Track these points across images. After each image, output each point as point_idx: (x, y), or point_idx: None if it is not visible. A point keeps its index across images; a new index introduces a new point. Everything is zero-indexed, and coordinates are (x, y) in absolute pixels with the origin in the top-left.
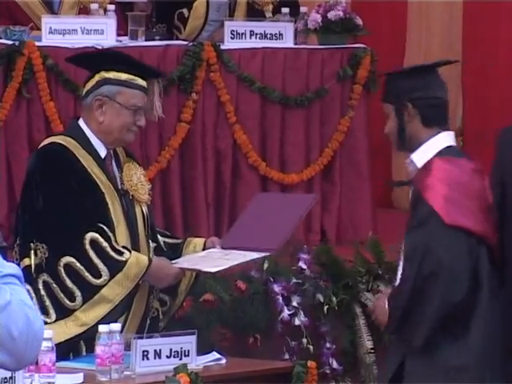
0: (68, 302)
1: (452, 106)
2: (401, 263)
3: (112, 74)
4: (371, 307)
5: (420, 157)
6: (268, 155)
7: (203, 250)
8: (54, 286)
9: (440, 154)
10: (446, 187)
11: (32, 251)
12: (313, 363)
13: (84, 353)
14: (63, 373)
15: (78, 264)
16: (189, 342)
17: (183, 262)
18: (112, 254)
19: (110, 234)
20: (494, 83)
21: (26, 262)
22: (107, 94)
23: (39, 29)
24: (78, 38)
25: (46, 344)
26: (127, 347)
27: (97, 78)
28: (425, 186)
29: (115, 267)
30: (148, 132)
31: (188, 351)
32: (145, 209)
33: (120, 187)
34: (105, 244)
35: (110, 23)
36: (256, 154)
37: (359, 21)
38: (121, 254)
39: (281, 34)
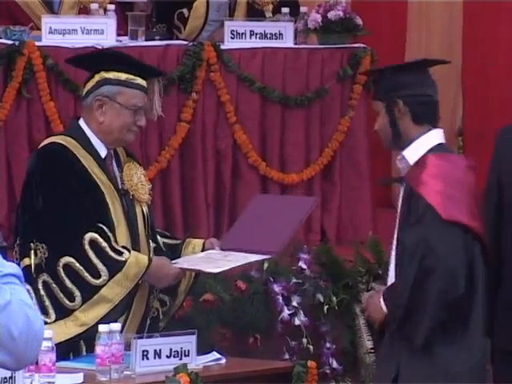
0: (67, 302)
1: (452, 105)
2: (393, 260)
3: (112, 74)
4: (364, 305)
5: (412, 154)
6: (268, 155)
7: (202, 250)
8: (54, 286)
9: (431, 151)
10: (442, 183)
11: (32, 251)
12: (313, 363)
13: (84, 353)
14: (63, 373)
15: (78, 264)
16: (189, 341)
17: (183, 263)
18: (111, 254)
19: (110, 234)
20: (494, 83)
21: (26, 261)
22: (107, 94)
23: (39, 29)
24: (77, 37)
25: (46, 344)
26: (127, 347)
27: (97, 78)
28: (419, 181)
29: (114, 267)
30: (148, 132)
31: (188, 351)
32: (145, 209)
33: (120, 187)
34: (104, 244)
35: (109, 23)
36: (256, 153)
37: (359, 21)
38: (120, 254)
39: (281, 34)
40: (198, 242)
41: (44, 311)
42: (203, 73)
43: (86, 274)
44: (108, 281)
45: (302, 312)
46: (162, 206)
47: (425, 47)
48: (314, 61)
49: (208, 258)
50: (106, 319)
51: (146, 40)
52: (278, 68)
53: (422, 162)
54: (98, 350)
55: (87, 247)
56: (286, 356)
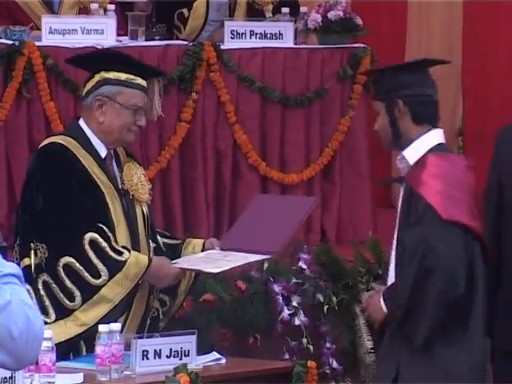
0: (67, 302)
1: (452, 105)
2: (393, 260)
3: (112, 74)
4: (364, 305)
5: (412, 154)
6: (268, 155)
7: (202, 250)
8: (54, 286)
9: (431, 151)
10: (442, 183)
11: (32, 251)
12: (313, 363)
13: (84, 353)
14: (63, 373)
15: (78, 264)
16: (189, 341)
17: (183, 263)
18: (111, 254)
19: (110, 234)
20: (494, 83)
21: (26, 261)
22: (107, 94)
23: (39, 29)
24: (78, 37)
25: (46, 344)
26: (127, 347)
27: (97, 78)
28: (420, 181)
29: (114, 267)
30: (148, 132)
31: (188, 351)
32: (145, 209)
33: (120, 187)
34: (104, 244)
35: (109, 23)
36: (256, 153)
37: (359, 21)
38: (120, 254)
39: (281, 34)
40: (198, 242)
41: (44, 311)
42: (203, 73)
43: (86, 274)
44: (108, 281)
45: (302, 312)
46: (162, 205)
47: (425, 47)
48: (314, 61)
49: (208, 258)
50: (105, 319)
51: (146, 40)
52: (278, 68)
53: (422, 162)
54: (98, 350)
55: (87, 247)
56: (286, 356)
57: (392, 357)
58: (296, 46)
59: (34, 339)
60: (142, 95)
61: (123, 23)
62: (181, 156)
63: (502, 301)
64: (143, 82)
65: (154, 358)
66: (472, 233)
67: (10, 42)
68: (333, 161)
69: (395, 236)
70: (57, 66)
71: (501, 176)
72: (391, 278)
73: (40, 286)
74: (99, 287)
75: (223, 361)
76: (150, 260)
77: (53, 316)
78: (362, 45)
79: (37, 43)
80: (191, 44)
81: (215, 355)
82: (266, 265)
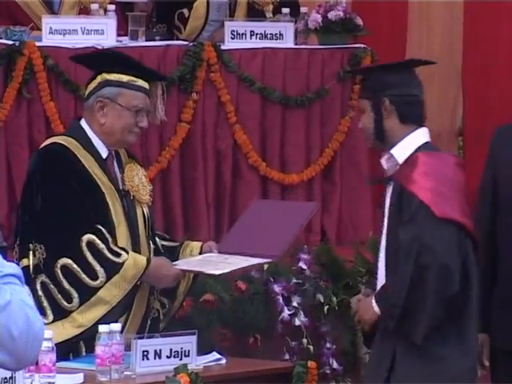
0: (65, 303)
1: (452, 105)
2: (382, 261)
3: (113, 76)
4: (354, 308)
5: (401, 152)
6: (268, 155)
7: (200, 254)
8: (52, 287)
9: (419, 149)
10: (433, 180)
11: (30, 252)
12: (313, 363)
13: (84, 353)
14: (63, 373)
15: (75, 266)
16: (189, 342)
17: (183, 264)
18: (108, 255)
19: (108, 235)
20: (494, 83)
21: (25, 262)
22: (108, 95)
23: (39, 29)
24: (78, 38)
25: (46, 344)
26: (127, 347)
27: (98, 79)
28: (410, 180)
29: (112, 269)
30: (148, 132)
31: (188, 351)
32: (146, 210)
33: (121, 188)
34: (101, 246)
35: (110, 23)
36: (256, 154)
37: (359, 21)
38: (118, 255)
39: (281, 34)
40: (196, 245)
41: (42, 312)
42: (203, 73)
43: (84, 276)
44: (105, 282)
45: (302, 312)
46: (163, 206)
47: (425, 47)
48: (314, 61)
49: (207, 261)
50: (103, 321)
51: (146, 40)
52: (279, 68)
53: (411, 161)
54: (98, 350)
55: (85, 249)
56: (287, 356)
57: (384, 357)
58: (296, 47)
59: (34, 339)
60: (143, 97)
61: (123, 23)
62: (181, 156)
63: (497, 299)
64: (145, 84)
65: (155, 358)
66: (465, 230)
67: (10, 42)
68: (333, 161)
69: (383, 237)
70: (57, 66)
71: (496, 174)
72: (381, 280)
73: (38, 287)
74: (97, 289)
75: (223, 361)
76: (148, 261)
77: (50, 317)
78: (362, 45)
79: (37, 43)
80: (191, 44)
81: (215, 355)
82: (266, 265)
